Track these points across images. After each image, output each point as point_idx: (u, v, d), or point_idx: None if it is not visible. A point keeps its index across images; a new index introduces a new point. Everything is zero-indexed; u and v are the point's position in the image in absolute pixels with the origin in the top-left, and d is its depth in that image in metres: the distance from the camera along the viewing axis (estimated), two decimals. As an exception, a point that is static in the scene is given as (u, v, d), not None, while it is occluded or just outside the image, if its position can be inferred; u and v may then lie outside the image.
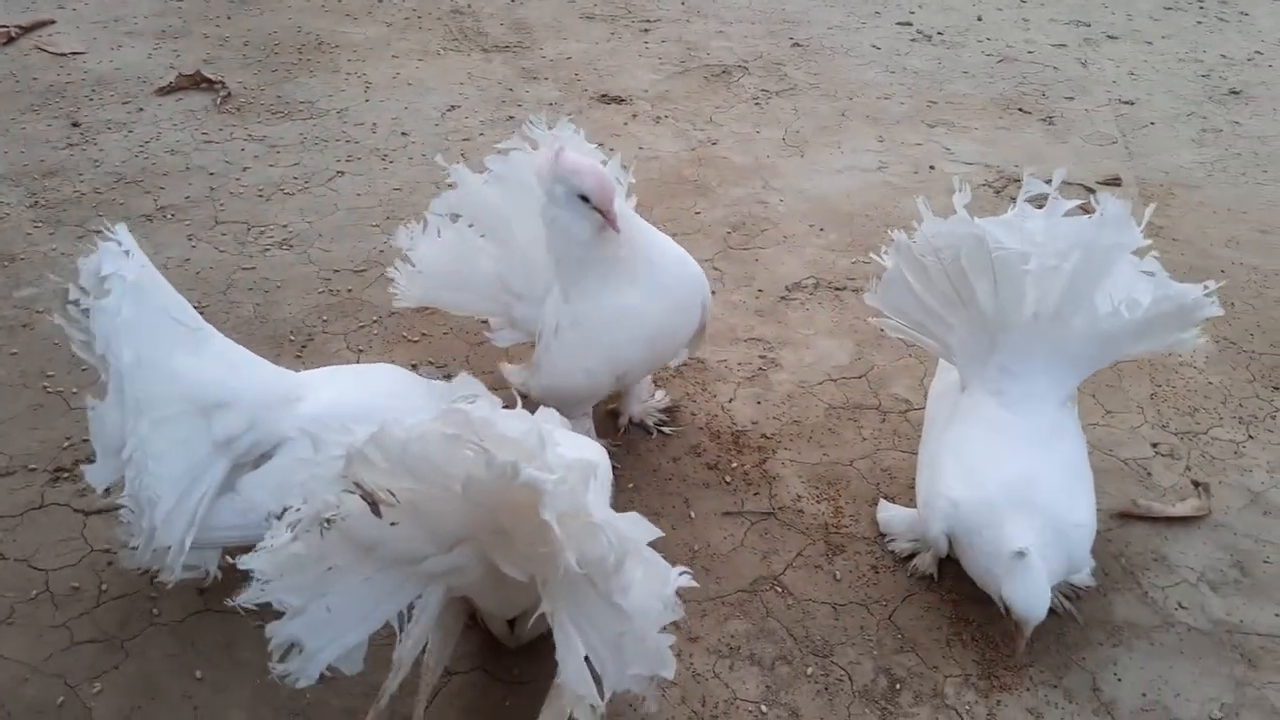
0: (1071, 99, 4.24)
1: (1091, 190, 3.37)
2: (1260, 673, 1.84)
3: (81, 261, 1.66)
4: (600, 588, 1.34)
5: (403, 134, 3.69)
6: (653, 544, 1.45)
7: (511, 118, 3.82)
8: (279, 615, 1.41)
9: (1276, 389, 2.56)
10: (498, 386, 2.29)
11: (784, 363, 2.59)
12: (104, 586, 1.89)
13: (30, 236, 2.97)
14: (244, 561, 1.40)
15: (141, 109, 3.78)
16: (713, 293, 2.21)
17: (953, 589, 1.96)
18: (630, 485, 2.19)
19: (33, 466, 2.15)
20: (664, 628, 1.44)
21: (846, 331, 2.71)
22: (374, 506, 1.32)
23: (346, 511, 1.35)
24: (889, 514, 2.09)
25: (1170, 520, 2.14)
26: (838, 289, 2.89)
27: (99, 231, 1.70)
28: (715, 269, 2.94)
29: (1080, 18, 5.19)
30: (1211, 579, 2.02)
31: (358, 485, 1.32)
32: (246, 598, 1.39)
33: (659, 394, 2.41)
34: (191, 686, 1.74)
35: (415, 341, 2.61)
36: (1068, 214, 1.93)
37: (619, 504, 1.99)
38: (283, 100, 3.91)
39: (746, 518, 2.13)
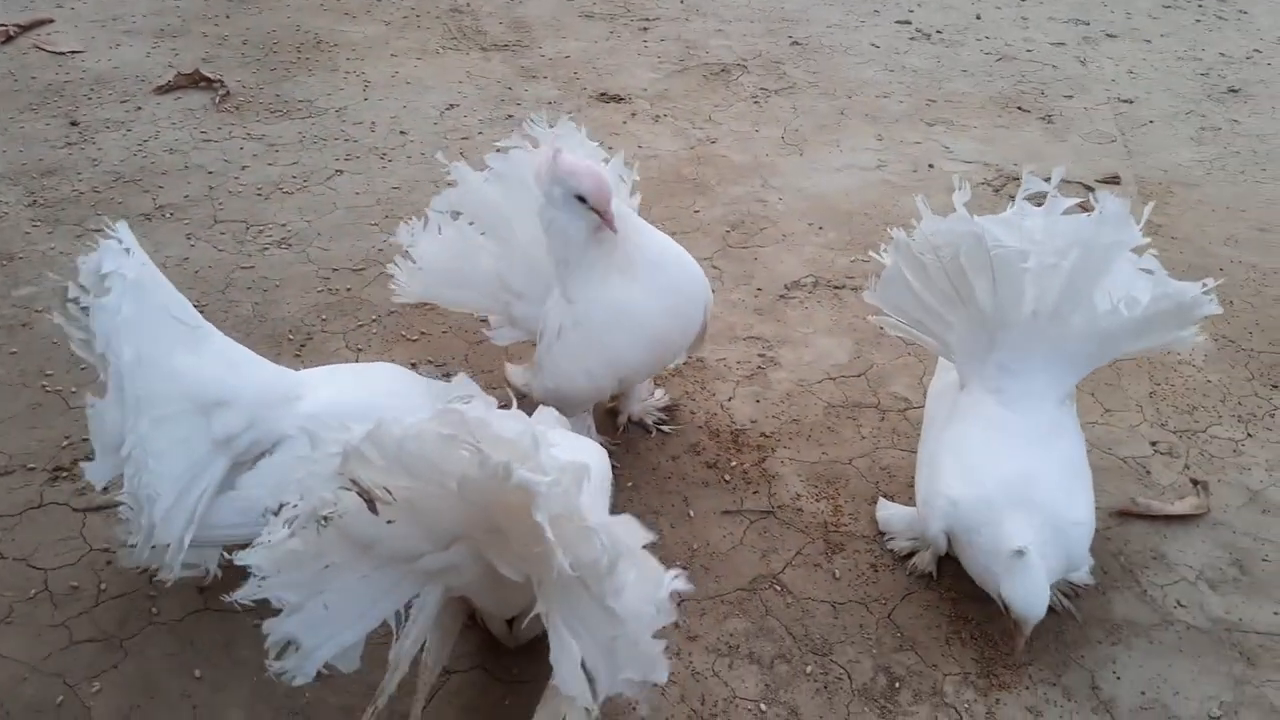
0: (1070, 97, 4.24)
1: (1090, 188, 3.37)
2: (1259, 671, 1.84)
3: (81, 260, 1.66)
4: (594, 590, 1.34)
5: (401, 133, 3.68)
6: (651, 543, 1.45)
7: (510, 116, 3.82)
8: (277, 612, 1.41)
9: (1275, 387, 2.56)
10: (496, 385, 2.29)
11: (783, 361, 2.59)
12: (103, 586, 1.89)
13: (29, 235, 2.97)
14: (241, 557, 1.40)
15: (140, 108, 3.78)
16: (712, 291, 2.21)
17: (952, 587, 1.96)
18: (629, 484, 2.19)
19: (31, 466, 2.15)
20: (657, 632, 1.43)
21: (845, 330, 2.71)
22: (370, 504, 1.33)
23: (344, 509, 1.35)
24: (888, 512, 2.09)
25: (1169, 518, 2.14)
26: (837, 287, 2.89)
27: (98, 230, 1.70)
28: (714, 267, 2.94)
29: (1079, 16, 5.19)
30: (1210, 577, 2.02)
31: (354, 482, 1.32)
32: (244, 594, 1.40)
33: (658, 392, 2.41)
34: (190, 685, 1.74)
35: (414, 340, 2.61)
36: (1067, 212, 1.93)
37: (618, 502, 2.00)
38: (281, 99, 3.90)
39: (746, 516, 2.13)
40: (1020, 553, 1.68)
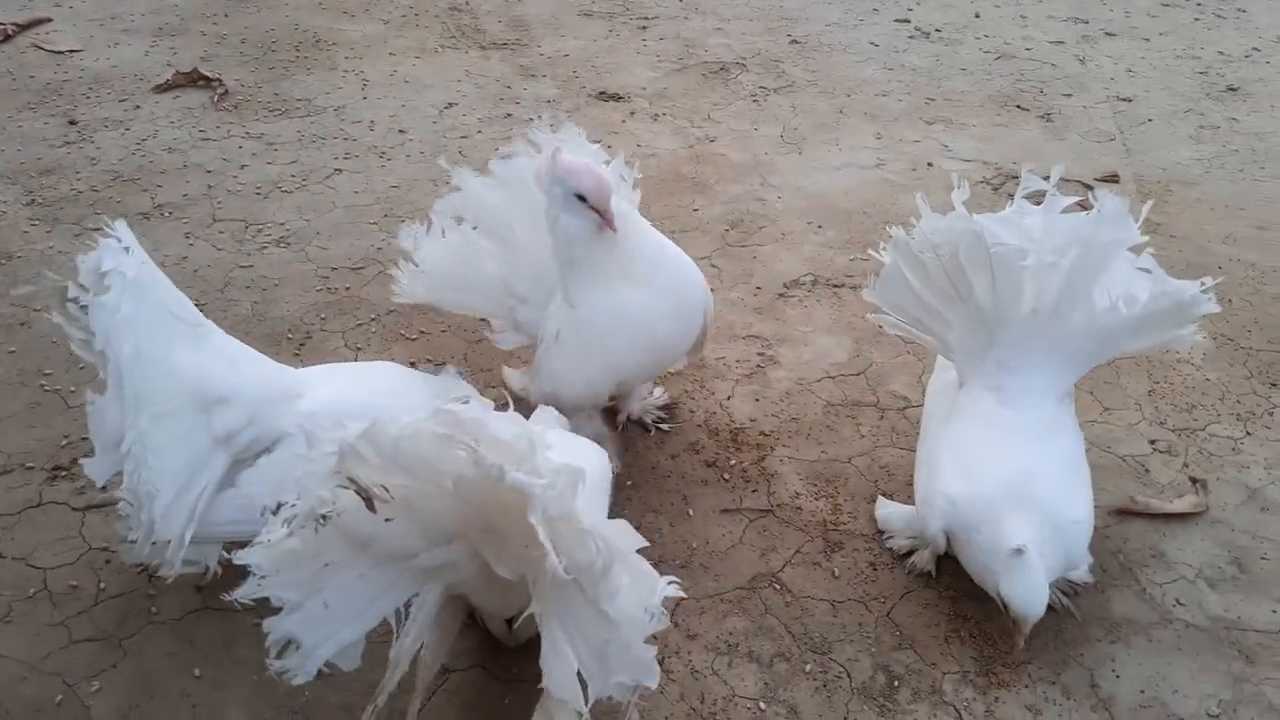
0: (1069, 96, 4.24)
1: (1089, 187, 3.37)
2: (1258, 669, 1.84)
3: (81, 258, 1.65)
4: (588, 593, 1.34)
5: (400, 131, 3.68)
6: (651, 543, 1.45)
7: (509, 115, 3.82)
8: (276, 611, 1.41)
9: (1274, 385, 2.56)
10: (494, 384, 2.29)
11: (782, 360, 2.59)
12: (102, 585, 1.89)
13: (27, 234, 2.97)
14: (240, 556, 1.40)
15: (139, 107, 3.78)
16: (711, 290, 2.21)
17: (951, 586, 1.96)
18: (629, 483, 2.19)
19: (30, 465, 2.15)
20: (649, 638, 1.43)
21: (845, 328, 2.71)
22: (368, 501, 1.33)
23: (341, 507, 1.35)
24: (887, 511, 2.09)
25: (1168, 517, 2.14)
26: (836, 286, 2.89)
27: (97, 229, 1.70)
28: (713, 266, 2.94)
29: (1078, 14, 5.19)
30: (1209, 575, 2.02)
31: (352, 480, 1.32)
32: (243, 592, 1.39)
33: (657, 391, 2.41)
34: (190, 684, 1.74)
35: (413, 339, 2.61)
36: (1066, 210, 1.93)
37: (618, 502, 2.00)
38: (280, 98, 3.90)
39: (745, 515, 2.13)
40: (1019, 551, 1.68)
